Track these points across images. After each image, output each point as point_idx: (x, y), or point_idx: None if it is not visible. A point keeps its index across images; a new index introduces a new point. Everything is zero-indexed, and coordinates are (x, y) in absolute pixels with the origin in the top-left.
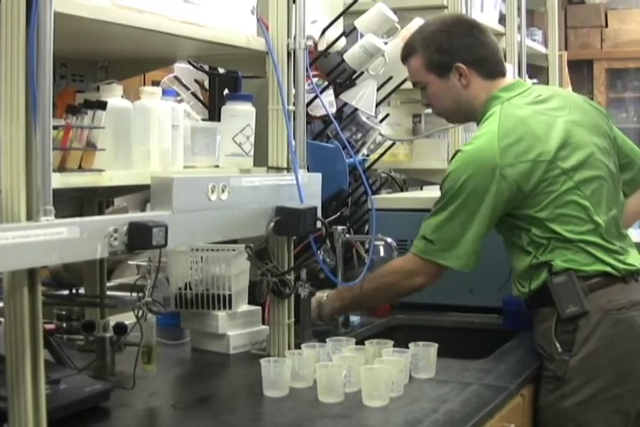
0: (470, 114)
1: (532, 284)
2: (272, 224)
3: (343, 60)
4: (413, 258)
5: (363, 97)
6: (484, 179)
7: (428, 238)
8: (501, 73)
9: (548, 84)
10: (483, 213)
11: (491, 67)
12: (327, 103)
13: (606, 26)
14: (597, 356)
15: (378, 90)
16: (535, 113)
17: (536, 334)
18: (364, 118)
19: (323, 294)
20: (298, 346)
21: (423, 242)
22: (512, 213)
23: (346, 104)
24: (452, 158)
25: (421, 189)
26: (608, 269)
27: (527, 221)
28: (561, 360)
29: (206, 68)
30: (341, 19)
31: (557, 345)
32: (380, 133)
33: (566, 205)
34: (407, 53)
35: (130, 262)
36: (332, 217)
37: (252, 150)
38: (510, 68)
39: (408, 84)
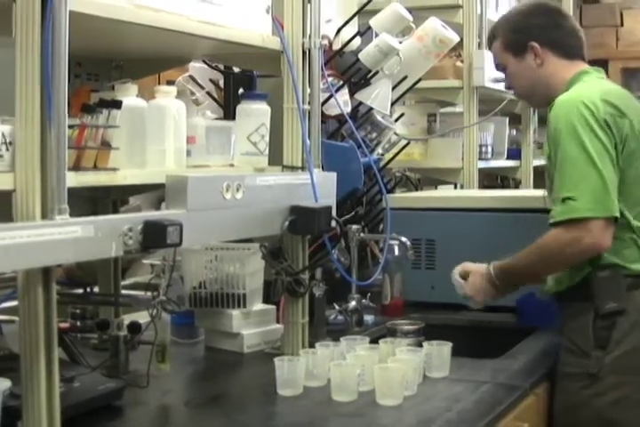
0: (551, 93)
1: (572, 277)
2: (287, 223)
3: (358, 60)
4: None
5: (377, 96)
6: None
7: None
8: (581, 56)
9: None
10: None
11: (567, 48)
12: (342, 102)
13: (622, 25)
14: (633, 356)
15: (393, 89)
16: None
17: (567, 330)
18: (378, 118)
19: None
20: (312, 345)
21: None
22: None
23: (361, 103)
24: None
25: (436, 188)
26: None
27: None
28: (596, 357)
29: (221, 67)
30: (356, 18)
31: (593, 341)
32: (394, 133)
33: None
34: (491, 37)
35: (144, 261)
36: (347, 216)
37: (267, 149)
38: None
39: (423, 84)
